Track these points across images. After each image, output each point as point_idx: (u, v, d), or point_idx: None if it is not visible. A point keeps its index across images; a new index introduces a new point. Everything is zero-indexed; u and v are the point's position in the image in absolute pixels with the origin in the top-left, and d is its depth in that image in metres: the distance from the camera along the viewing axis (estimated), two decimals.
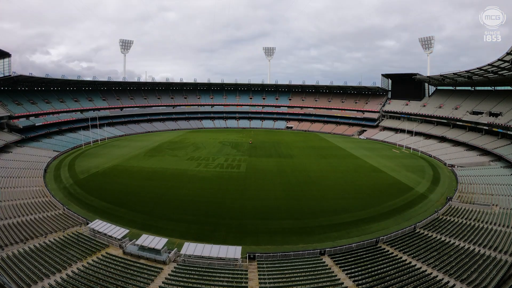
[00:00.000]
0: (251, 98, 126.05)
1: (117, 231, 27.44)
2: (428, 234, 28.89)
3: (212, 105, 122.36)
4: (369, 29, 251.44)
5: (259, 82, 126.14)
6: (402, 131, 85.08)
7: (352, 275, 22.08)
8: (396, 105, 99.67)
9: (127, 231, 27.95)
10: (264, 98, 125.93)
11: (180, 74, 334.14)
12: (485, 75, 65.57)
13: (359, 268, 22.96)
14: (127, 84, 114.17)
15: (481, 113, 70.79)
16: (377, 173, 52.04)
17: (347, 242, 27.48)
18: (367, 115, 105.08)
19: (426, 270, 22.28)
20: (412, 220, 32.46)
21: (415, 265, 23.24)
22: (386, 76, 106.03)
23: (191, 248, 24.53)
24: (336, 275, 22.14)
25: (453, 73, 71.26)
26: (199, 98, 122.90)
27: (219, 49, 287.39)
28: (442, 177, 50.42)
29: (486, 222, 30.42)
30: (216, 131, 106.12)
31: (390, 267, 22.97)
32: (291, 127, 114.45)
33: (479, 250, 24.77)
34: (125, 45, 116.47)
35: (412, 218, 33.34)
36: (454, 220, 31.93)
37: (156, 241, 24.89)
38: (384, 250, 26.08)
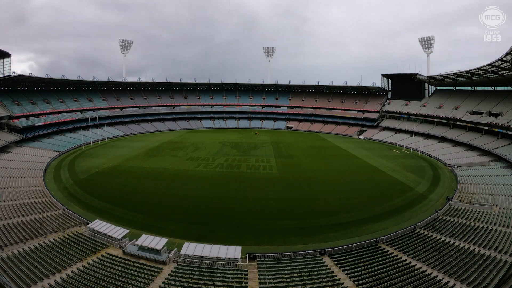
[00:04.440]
0: (251, 98, 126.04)
1: (117, 231, 27.45)
2: (428, 234, 28.88)
3: (212, 105, 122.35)
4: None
5: (259, 82, 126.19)
6: (402, 131, 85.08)
7: (352, 275, 22.09)
8: (396, 105, 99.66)
9: (127, 231, 27.95)
10: (264, 98, 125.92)
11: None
12: (485, 75, 65.58)
13: (359, 268, 22.96)
14: (127, 84, 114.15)
15: (481, 113, 70.80)
16: (377, 173, 52.04)
17: (347, 242, 27.47)
18: (367, 115, 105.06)
19: (426, 270, 22.29)
20: (412, 220, 32.44)
21: (415, 265, 23.24)
22: (386, 76, 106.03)
23: (191, 248, 24.53)
24: (336, 275, 22.14)
25: (453, 73, 71.28)
26: (199, 98, 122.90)
27: None
28: (442, 177, 50.42)
29: (486, 222, 30.41)
30: (216, 131, 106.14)
31: (390, 267, 22.97)
32: (291, 127, 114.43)
33: (479, 250, 24.76)
34: (125, 45, 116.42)
35: (412, 218, 33.33)
36: (454, 220, 31.92)
37: (156, 241, 24.89)
38: (384, 250, 26.07)
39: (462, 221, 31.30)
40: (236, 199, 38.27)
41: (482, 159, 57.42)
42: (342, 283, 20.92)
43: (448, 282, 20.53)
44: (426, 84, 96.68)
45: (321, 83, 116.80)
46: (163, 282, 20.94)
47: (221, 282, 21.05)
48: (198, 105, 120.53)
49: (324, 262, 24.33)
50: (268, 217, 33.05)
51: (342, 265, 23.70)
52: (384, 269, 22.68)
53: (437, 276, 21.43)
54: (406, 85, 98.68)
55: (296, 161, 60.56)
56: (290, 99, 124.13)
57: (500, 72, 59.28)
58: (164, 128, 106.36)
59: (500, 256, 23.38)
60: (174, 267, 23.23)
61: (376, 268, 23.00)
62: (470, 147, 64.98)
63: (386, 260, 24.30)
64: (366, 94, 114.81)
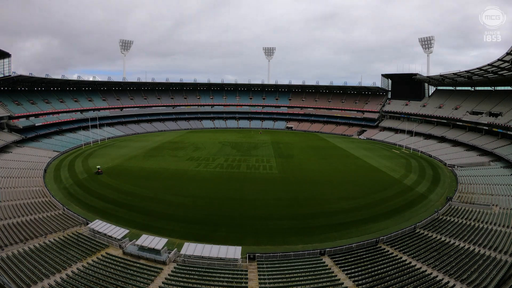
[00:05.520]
0: (251, 98, 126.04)
1: (117, 231, 27.44)
2: (428, 234, 28.87)
3: (212, 105, 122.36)
4: None
5: (259, 82, 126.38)
6: (402, 131, 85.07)
7: (352, 275, 22.08)
8: (396, 105, 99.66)
9: (127, 231, 27.94)
10: (264, 98, 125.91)
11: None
12: (485, 75, 65.61)
13: (359, 268, 22.96)
14: (127, 84, 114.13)
15: (481, 113, 70.80)
16: (377, 173, 52.03)
17: (347, 242, 27.47)
18: (367, 115, 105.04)
19: (426, 270, 22.28)
20: (412, 220, 32.44)
21: (415, 265, 23.23)
22: (386, 76, 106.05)
23: (191, 248, 24.53)
24: (336, 275, 22.14)
25: (453, 73, 71.30)
26: (199, 98, 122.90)
27: None
28: (442, 177, 50.41)
29: (486, 222, 30.40)
30: (216, 131, 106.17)
31: (390, 267, 22.96)
32: (291, 127, 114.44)
33: (479, 250, 24.75)
34: (125, 45, 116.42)
35: (412, 218, 33.33)
36: (454, 220, 31.92)
37: (156, 241, 24.87)
38: (384, 250, 26.07)
39: (462, 221, 31.29)
40: (236, 199, 38.27)
41: (482, 159, 57.43)
42: (342, 283, 20.92)
43: (448, 282, 20.53)
44: (426, 84, 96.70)
45: (321, 83, 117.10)
46: (163, 282, 20.94)
47: (221, 282, 21.05)
48: (198, 105, 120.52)
49: (324, 262, 24.32)
50: (268, 217, 33.04)
51: (342, 265, 23.69)
52: (384, 269, 22.67)
53: (437, 276, 21.42)
54: (406, 85, 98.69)
55: (296, 161, 60.56)
56: (290, 99, 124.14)
57: (500, 72, 59.30)
58: (164, 128, 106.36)
59: (500, 256, 23.37)
60: (174, 267, 23.22)
61: (376, 268, 23.00)
62: (470, 147, 64.98)
63: (386, 260, 24.29)
64: (366, 94, 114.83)
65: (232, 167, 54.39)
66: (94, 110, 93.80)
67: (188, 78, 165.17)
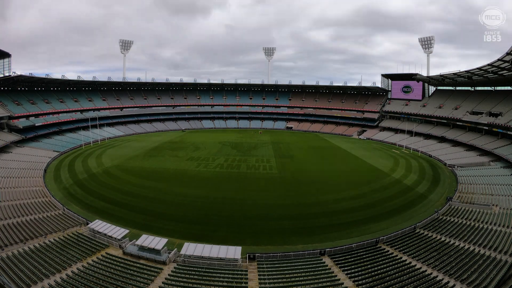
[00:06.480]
0: (251, 99, 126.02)
1: (117, 231, 27.45)
2: (428, 234, 28.87)
3: (212, 105, 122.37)
4: None
5: (259, 82, 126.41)
6: (402, 131, 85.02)
7: (352, 275, 22.08)
8: (396, 105, 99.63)
9: (127, 231, 27.95)
10: (264, 99, 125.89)
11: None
12: (485, 75, 65.58)
13: (359, 268, 22.96)
14: (127, 84, 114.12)
15: (481, 113, 70.79)
16: (377, 173, 52.00)
17: (347, 242, 27.47)
18: (367, 115, 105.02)
19: (426, 270, 22.28)
20: (412, 220, 32.43)
21: (415, 265, 23.23)
22: (386, 76, 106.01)
23: (191, 249, 24.54)
24: (336, 275, 22.14)
25: (453, 73, 71.26)
26: (199, 98, 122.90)
27: None
28: (442, 177, 50.41)
29: (486, 222, 30.40)
30: (216, 131, 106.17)
31: (390, 267, 22.97)
32: (291, 128, 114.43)
33: (479, 250, 24.75)
34: (125, 45, 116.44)
35: (412, 218, 33.32)
36: (454, 220, 31.92)
37: (156, 241, 24.89)
38: (384, 250, 26.08)
39: (462, 221, 31.28)
40: (236, 199, 38.27)
41: (482, 159, 57.42)
42: (342, 283, 20.92)
43: (448, 282, 20.53)
44: (426, 84, 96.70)
45: (321, 83, 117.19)
46: (163, 282, 20.94)
47: (221, 282, 21.06)
48: (198, 105, 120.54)
49: (324, 262, 24.33)
50: (268, 217, 33.04)
51: (342, 265, 23.69)
52: (384, 269, 22.68)
53: (437, 276, 21.43)
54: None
55: (296, 161, 60.55)
56: (290, 99, 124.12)
57: (500, 72, 59.26)
58: (164, 128, 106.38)
59: (500, 256, 23.38)
60: (174, 267, 23.23)
61: (376, 268, 23.00)
62: (470, 147, 64.96)
63: (386, 260, 24.30)
64: (366, 94, 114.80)
65: (232, 167, 54.39)
66: (94, 110, 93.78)
67: (188, 78, 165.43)
